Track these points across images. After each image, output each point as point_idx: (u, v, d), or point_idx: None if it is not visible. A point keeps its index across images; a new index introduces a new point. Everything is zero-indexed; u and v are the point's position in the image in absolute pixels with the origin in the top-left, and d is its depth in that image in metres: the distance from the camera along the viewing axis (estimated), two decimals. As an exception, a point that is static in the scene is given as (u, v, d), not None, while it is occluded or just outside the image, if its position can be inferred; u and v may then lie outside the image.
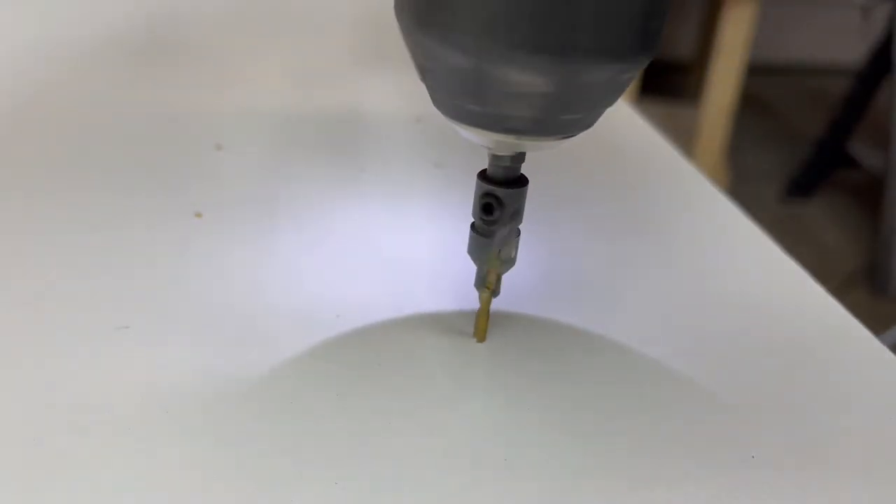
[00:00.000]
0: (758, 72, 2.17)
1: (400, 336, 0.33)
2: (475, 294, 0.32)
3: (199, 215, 0.40)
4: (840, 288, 1.49)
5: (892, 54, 1.63)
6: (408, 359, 0.32)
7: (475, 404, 0.30)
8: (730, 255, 0.42)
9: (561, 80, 0.26)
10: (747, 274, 0.40)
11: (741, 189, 1.82)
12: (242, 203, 0.41)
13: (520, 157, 0.30)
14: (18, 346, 0.30)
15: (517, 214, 0.31)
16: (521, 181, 0.30)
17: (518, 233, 0.32)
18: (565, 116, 0.27)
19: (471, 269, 0.32)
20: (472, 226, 0.31)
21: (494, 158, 0.30)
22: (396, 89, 0.58)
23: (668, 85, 2.06)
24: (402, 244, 0.39)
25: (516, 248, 0.32)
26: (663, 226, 0.44)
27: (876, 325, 0.38)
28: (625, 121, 0.57)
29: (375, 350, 0.32)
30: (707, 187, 0.48)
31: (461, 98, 0.27)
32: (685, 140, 1.72)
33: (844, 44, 2.17)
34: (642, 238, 0.43)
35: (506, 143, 0.28)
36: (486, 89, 0.26)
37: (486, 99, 0.26)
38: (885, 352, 0.35)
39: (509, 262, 0.32)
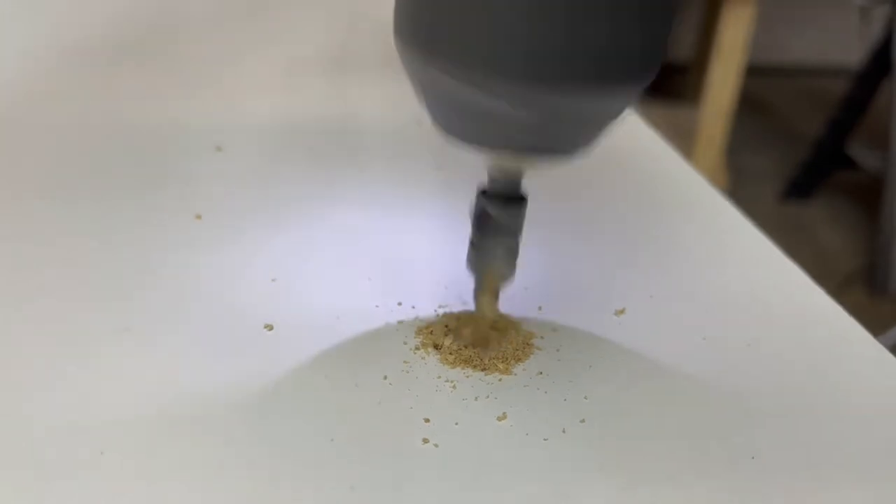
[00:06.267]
0: (757, 72, 2.17)
1: (400, 337, 0.33)
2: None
3: (198, 217, 0.40)
4: (839, 288, 1.49)
5: (892, 54, 1.63)
6: (407, 360, 0.32)
7: (476, 404, 0.30)
8: (729, 255, 0.42)
9: (559, 108, 0.26)
10: (746, 274, 0.40)
11: (741, 189, 1.83)
12: (242, 204, 0.42)
13: (517, 176, 0.30)
14: (18, 347, 0.31)
15: (511, 231, 0.30)
16: (519, 199, 0.30)
17: (515, 249, 0.31)
18: (563, 139, 0.28)
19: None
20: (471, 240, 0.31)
21: (492, 177, 0.30)
22: (397, 92, 0.58)
23: (668, 85, 2.05)
24: (402, 245, 0.39)
25: (513, 263, 0.31)
26: (662, 226, 0.44)
27: (874, 325, 0.38)
28: (624, 122, 0.57)
29: (375, 351, 0.32)
30: (706, 188, 0.48)
31: (461, 120, 0.28)
32: (685, 141, 1.72)
33: (844, 44, 2.17)
34: (641, 239, 0.43)
35: (504, 161, 0.28)
36: (485, 114, 0.26)
37: (486, 122, 0.27)
38: (884, 352, 0.35)
39: (505, 276, 0.32)
